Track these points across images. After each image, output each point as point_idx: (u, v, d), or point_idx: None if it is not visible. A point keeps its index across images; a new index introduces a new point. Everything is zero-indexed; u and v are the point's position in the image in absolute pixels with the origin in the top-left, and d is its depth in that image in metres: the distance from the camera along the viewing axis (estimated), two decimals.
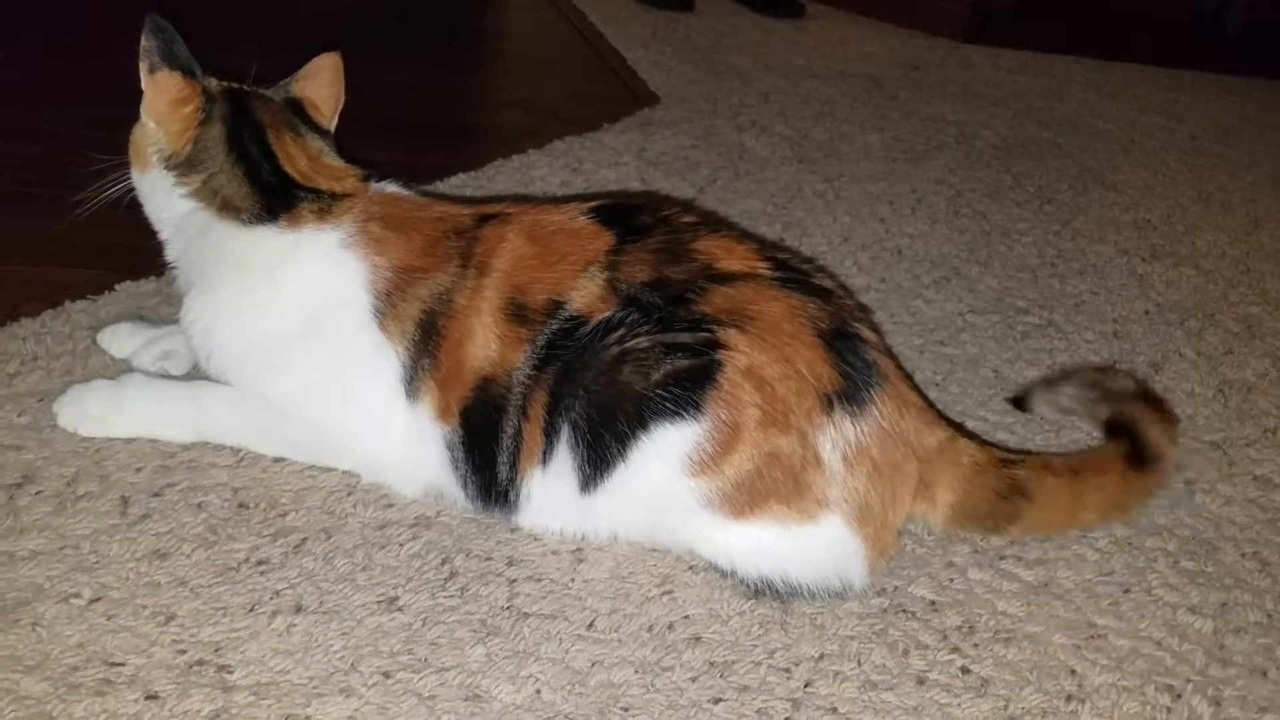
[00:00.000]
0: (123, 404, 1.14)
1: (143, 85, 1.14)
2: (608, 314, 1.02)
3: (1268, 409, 1.52)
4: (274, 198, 1.12)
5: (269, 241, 1.11)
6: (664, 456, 1.00)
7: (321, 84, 1.21)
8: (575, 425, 1.02)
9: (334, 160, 1.18)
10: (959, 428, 1.14)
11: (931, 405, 1.14)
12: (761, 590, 1.04)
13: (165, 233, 1.18)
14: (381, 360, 1.08)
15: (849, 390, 1.01)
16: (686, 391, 0.99)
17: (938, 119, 2.52)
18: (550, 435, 1.03)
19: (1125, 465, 1.16)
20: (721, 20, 3.09)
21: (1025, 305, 1.71)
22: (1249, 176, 2.47)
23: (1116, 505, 1.18)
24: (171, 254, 1.18)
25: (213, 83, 1.16)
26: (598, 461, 1.02)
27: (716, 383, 0.99)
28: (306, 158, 1.15)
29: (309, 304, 1.10)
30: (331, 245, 1.10)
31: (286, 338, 1.10)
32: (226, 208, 1.12)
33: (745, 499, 1.01)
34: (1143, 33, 3.28)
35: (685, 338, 1.00)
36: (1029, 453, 1.20)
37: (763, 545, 1.03)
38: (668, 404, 0.99)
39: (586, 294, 1.04)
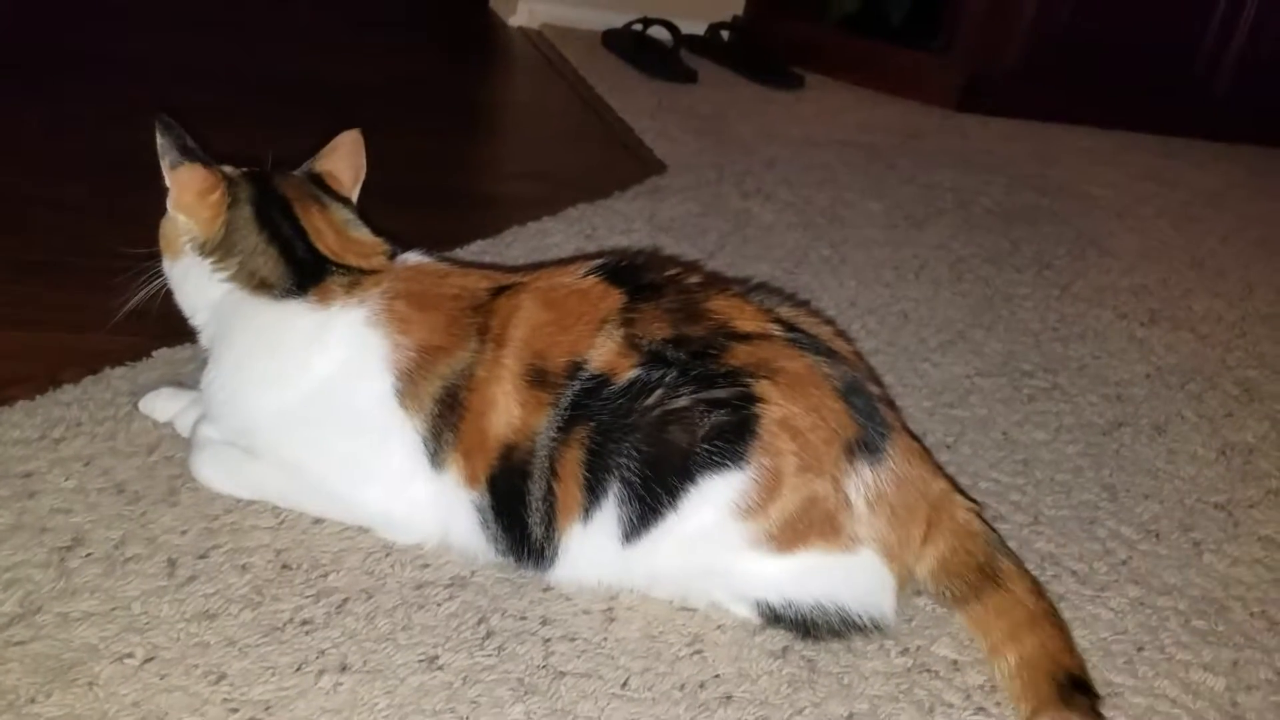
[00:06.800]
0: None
1: (167, 182, 1.18)
2: (636, 372, 1.06)
3: (1269, 470, 1.56)
4: (306, 274, 1.16)
5: (298, 316, 1.14)
6: (714, 504, 1.05)
7: (340, 157, 1.26)
8: (628, 483, 1.05)
9: (361, 233, 1.22)
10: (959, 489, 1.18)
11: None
12: (813, 620, 1.08)
13: (200, 318, 1.21)
14: (399, 436, 1.11)
15: (866, 439, 1.07)
16: (730, 444, 1.04)
17: (936, 186, 2.59)
18: (594, 491, 1.07)
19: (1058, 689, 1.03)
20: (723, 91, 3.18)
21: (1030, 369, 1.76)
22: (1240, 242, 2.55)
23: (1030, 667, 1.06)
24: (205, 339, 1.21)
25: (228, 169, 1.21)
26: (646, 514, 1.06)
27: (756, 433, 1.04)
28: (334, 231, 1.19)
29: (331, 378, 1.13)
30: (357, 322, 1.13)
31: (308, 409, 1.13)
32: (262, 286, 1.16)
33: (789, 537, 1.06)
34: (1132, 100, 3.38)
35: (722, 393, 1.05)
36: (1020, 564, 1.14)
37: (812, 571, 1.07)
38: (714, 457, 1.04)
39: (604, 350, 1.08)
